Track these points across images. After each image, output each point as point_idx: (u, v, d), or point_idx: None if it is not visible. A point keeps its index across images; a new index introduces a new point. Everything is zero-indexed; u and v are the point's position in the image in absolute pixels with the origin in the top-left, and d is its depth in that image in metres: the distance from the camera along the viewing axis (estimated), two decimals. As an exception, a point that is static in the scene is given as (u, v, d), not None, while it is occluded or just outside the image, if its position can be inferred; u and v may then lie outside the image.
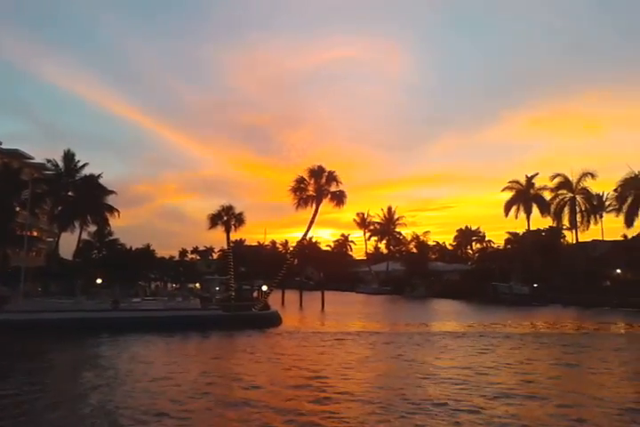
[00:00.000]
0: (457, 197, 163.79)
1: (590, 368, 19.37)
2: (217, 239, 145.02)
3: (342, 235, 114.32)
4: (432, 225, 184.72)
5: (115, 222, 53.76)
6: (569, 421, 12.00)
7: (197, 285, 48.54)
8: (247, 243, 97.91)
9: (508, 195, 70.11)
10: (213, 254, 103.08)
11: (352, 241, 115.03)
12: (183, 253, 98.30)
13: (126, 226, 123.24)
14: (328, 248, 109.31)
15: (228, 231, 39.55)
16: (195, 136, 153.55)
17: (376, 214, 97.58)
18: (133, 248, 63.78)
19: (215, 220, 39.56)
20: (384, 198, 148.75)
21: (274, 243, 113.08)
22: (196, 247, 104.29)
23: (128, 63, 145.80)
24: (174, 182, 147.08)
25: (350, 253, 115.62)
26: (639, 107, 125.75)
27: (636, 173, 55.26)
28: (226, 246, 69.61)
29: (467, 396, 14.09)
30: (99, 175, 51.36)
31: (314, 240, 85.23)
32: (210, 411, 12.84)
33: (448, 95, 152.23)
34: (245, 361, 20.66)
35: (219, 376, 17.40)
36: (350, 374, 17.54)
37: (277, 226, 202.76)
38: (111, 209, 52.19)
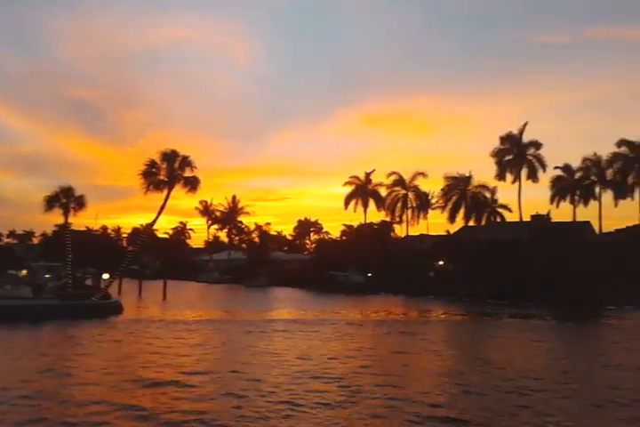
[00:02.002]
0: (296, 188, 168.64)
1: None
2: (37, 223, 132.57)
3: (181, 222, 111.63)
4: (270, 215, 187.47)
5: None
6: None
7: (24, 272, 44.00)
8: (74, 228, 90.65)
9: (349, 189, 74.05)
10: (34, 239, 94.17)
11: (191, 229, 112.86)
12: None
13: None
14: (166, 236, 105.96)
15: (66, 215, 36.53)
16: (17, 108, 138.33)
17: (219, 203, 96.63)
18: None
19: (52, 202, 36.25)
20: (224, 187, 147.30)
21: (105, 229, 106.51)
22: (13, 231, 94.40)
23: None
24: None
25: (189, 241, 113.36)
26: (466, 111, 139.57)
27: (459, 174, 61.64)
28: (54, 230, 64.49)
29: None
30: None
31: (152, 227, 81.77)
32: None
33: (293, 87, 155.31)
34: (73, 354, 19.45)
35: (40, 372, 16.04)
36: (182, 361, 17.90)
37: (110, 211, 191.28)
38: None
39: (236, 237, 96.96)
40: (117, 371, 16.01)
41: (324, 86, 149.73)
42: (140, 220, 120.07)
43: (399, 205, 68.36)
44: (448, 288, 55.82)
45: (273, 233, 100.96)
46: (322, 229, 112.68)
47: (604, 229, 61.67)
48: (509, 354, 20.64)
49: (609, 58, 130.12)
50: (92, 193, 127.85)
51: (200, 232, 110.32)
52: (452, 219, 60.89)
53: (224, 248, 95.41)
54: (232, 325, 28.69)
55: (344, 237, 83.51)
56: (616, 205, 59.39)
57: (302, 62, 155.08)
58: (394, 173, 68.44)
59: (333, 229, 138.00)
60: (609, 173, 58.83)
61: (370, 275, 64.34)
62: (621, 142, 58.82)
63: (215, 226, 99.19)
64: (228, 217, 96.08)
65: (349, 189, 73.95)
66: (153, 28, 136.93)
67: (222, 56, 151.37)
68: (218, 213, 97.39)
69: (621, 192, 58.01)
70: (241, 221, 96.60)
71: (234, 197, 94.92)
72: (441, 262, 64.57)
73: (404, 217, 68.66)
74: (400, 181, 68.17)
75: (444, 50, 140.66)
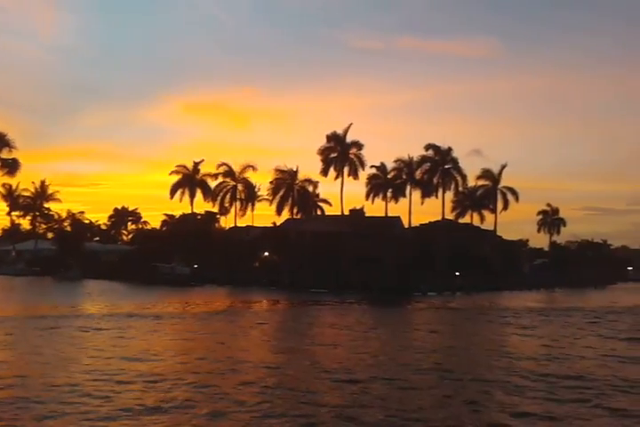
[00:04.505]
0: (109, 174, 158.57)
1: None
2: None
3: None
4: (78, 202, 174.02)
5: None
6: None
7: None
8: None
9: (175, 178, 72.16)
10: None
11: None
12: None
13: None
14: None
15: None
16: None
17: (26, 188, 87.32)
18: None
19: None
20: (24, 170, 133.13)
21: None
22: None
23: None
24: None
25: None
26: (289, 106, 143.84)
27: (287, 168, 63.87)
28: None
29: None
30: None
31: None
32: None
33: (107, 67, 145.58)
34: None
35: None
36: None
37: None
38: None
39: (43, 226, 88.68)
40: None
41: (144, 68, 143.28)
42: None
43: (228, 196, 68.57)
44: (273, 278, 57.68)
45: (85, 222, 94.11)
46: (141, 218, 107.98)
47: (413, 224, 68.74)
48: (331, 338, 22.28)
49: (417, 65, 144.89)
50: None
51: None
52: (279, 211, 62.99)
53: (28, 237, 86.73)
54: (36, 321, 25.18)
55: (164, 228, 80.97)
56: (422, 202, 66.61)
57: (120, 40, 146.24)
58: (224, 164, 68.51)
59: (154, 219, 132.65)
60: (418, 174, 65.61)
61: (196, 266, 63.64)
62: (428, 146, 65.94)
63: (16, 212, 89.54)
64: (33, 203, 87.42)
65: (176, 178, 72.17)
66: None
67: (26, 26, 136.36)
68: (22, 200, 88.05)
69: (428, 191, 65.11)
70: (49, 208, 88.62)
71: (42, 182, 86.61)
72: (266, 253, 66.32)
73: (233, 208, 69.12)
74: (230, 173, 68.37)
75: (268, 43, 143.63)
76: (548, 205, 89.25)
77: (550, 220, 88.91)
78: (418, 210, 69.05)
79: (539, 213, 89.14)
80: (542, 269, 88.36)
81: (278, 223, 68.24)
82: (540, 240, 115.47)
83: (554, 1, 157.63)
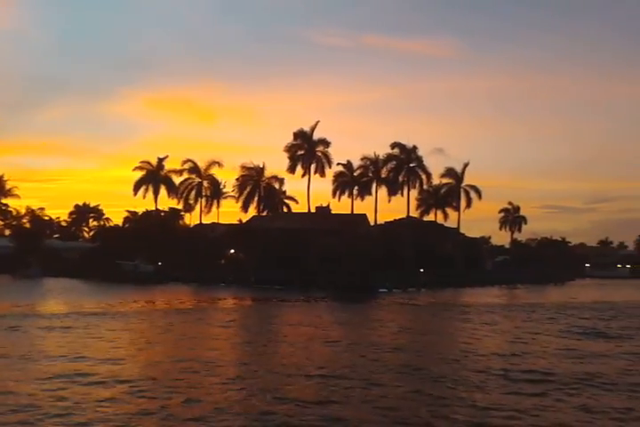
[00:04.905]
0: (69, 169, 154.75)
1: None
2: None
3: None
4: (36, 198, 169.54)
5: None
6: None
7: None
8: None
9: (139, 174, 70.97)
10: None
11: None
12: None
13: None
14: None
15: None
16: None
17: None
18: None
19: None
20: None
21: None
22: None
23: None
24: None
25: None
26: (255, 103, 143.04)
27: (254, 165, 63.54)
28: None
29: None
30: None
31: None
32: None
33: (68, 60, 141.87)
34: None
35: None
36: None
37: None
38: None
39: (1, 223, 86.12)
40: None
41: (107, 61, 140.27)
42: None
43: (193, 193, 67.82)
44: (240, 276, 57.37)
45: (45, 218, 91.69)
46: (103, 215, 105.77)
47: (379, 221, 69.36)
48: (292, 336, 22.41)
49: (384, 64, 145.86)
50: None
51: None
52: (245, 208, 62.65)
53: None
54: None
55: (127, 225, 79.53)
56: (389, 200, 67.19)
57: (82, 33, 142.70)
58: (189, 160, 67.74)
59: (116, 216, 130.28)
60: (384, 172, 66.18)
61: (160, 264, 62.81)
62: (394, 145, 66.57)
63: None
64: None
65: (140, 174, 70.96)
66: None
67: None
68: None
69: (394, 189, 65.73)
70: (7, 205, 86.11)
71: (0, 177, 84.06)
72: (232, 251, 65.89)
73: (198, 205, 68.42)
74: (195, 169, 67.65)
75: (234, 39, 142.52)
76: (510, 203, 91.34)
77: (512, 218, 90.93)
78: (384, 208, 69.75)
79: (500, 210, 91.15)
80: (504, 265, 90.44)
81: (244, 220, 67.97)
82: (501, 238, 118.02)
83: (519, 0, 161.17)
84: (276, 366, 15.69)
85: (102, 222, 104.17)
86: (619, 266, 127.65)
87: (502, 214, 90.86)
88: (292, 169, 62.03)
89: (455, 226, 74.53)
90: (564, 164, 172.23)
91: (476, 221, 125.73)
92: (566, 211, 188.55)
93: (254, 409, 11.08)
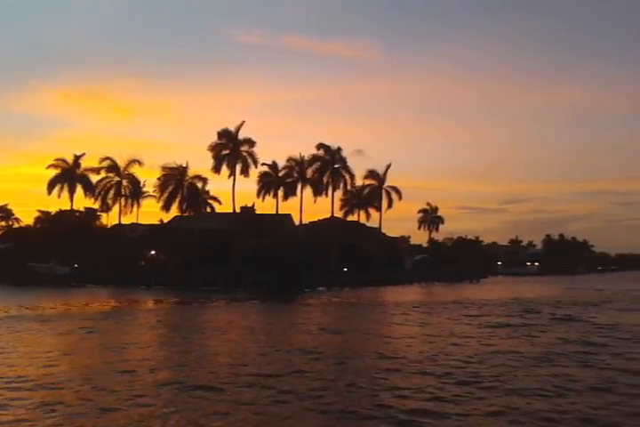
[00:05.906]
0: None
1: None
2: None
3: None
4: None
5: None
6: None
7: None
8: None
9: (53, 172, 67.66)
10: None
11: None
12: None
13: None
14: None
15: None
16: None
17: None
18: None
19: None
20: None
21: None
22: None
23: None
24: None
25: None
26: (173, 100, 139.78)
27: (177, 164, 62.26)
28: None
29: None
30: None
31: None
32: None
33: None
34: None
35: None
36: None
37: None
38: None
39: None
40: None
41: (17, 54, 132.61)
42: None
43: (111, 192, 65.43)
44: (161, 278, 56.05)
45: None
46: (12, 215, 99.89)
47: (304, 221, 69.91)
48: (216, 336, 22.22)
49: (307, 64, 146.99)
50: None
51: None
52: (167, 208, 61.14)
53: None
54: None
55: (39, 225, 75.67)
56: (315, 200, 67.79)
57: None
58: (107, 158, 65.23)
59: (27, 216, 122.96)
60: (309, 173, 66.77)
61: (76, 266, 60.29)
62: (320, 146, 67.38)
63: None
64: None
65: (54, 172, 67.60)
66: None
67: None
68: None
69: (319, 190, 66.49)
70: None
71: None
72: (153, 252, 64.30)
73: (117, 205, 66.07)
74: (114, 168, 65.26)
75: (153, 34, 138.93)
76: (428, 203, 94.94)
77: (430, 218, 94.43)
78: (309, 208, 70.53)
79: (419, 211, 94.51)
80: (423, 264, 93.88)
81: (166, 221, 66.48)
82: (420, 237, 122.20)
83: (436, 10, 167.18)
84: (201, 366, 15.61)
85: (11, 222, 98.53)
86: (528, 264, 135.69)
87: (421, 215, 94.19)
88: (216, 169, 61.13)
89: (377, 226, 76.48)
90: (475, 166, 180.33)
91: (397, 220, 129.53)
92: (480, 211, 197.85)
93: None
